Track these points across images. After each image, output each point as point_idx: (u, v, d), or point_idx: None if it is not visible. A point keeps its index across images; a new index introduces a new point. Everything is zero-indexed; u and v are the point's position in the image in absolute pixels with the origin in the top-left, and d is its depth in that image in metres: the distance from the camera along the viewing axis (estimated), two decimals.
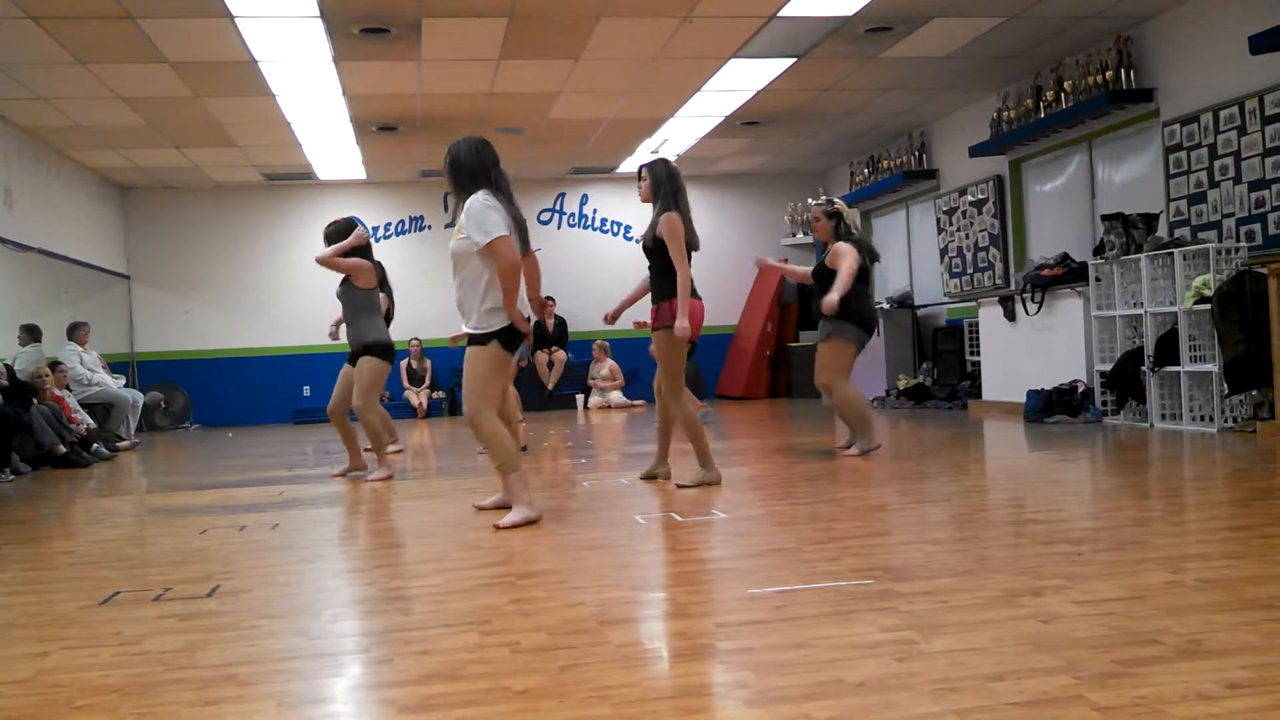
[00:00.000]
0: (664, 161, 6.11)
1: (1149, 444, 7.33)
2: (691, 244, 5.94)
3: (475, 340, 4.99)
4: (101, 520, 6.07)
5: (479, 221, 4.87)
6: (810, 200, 7.47)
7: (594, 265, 15.37)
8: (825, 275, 7.24)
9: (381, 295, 8.28)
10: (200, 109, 10.89)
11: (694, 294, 5.94)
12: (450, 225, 5.15)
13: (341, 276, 7.41)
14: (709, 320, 12.08)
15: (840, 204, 7.39)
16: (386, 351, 7.31)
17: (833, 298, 7.03)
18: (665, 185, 5.99)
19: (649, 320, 6.15)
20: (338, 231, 7.41)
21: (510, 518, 4.94)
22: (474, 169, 5.03)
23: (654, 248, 5.99)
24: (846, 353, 7.20)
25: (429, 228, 15.61)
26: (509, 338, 4.99)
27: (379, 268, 7.95)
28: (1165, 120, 9.22)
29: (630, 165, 15.03)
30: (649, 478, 6.43)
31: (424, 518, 5.61)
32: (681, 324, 5.82)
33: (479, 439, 5.09)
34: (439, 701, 2.42)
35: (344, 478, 7.42)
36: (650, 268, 6.11)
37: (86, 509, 6.75)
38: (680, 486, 6.01)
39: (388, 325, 8.07)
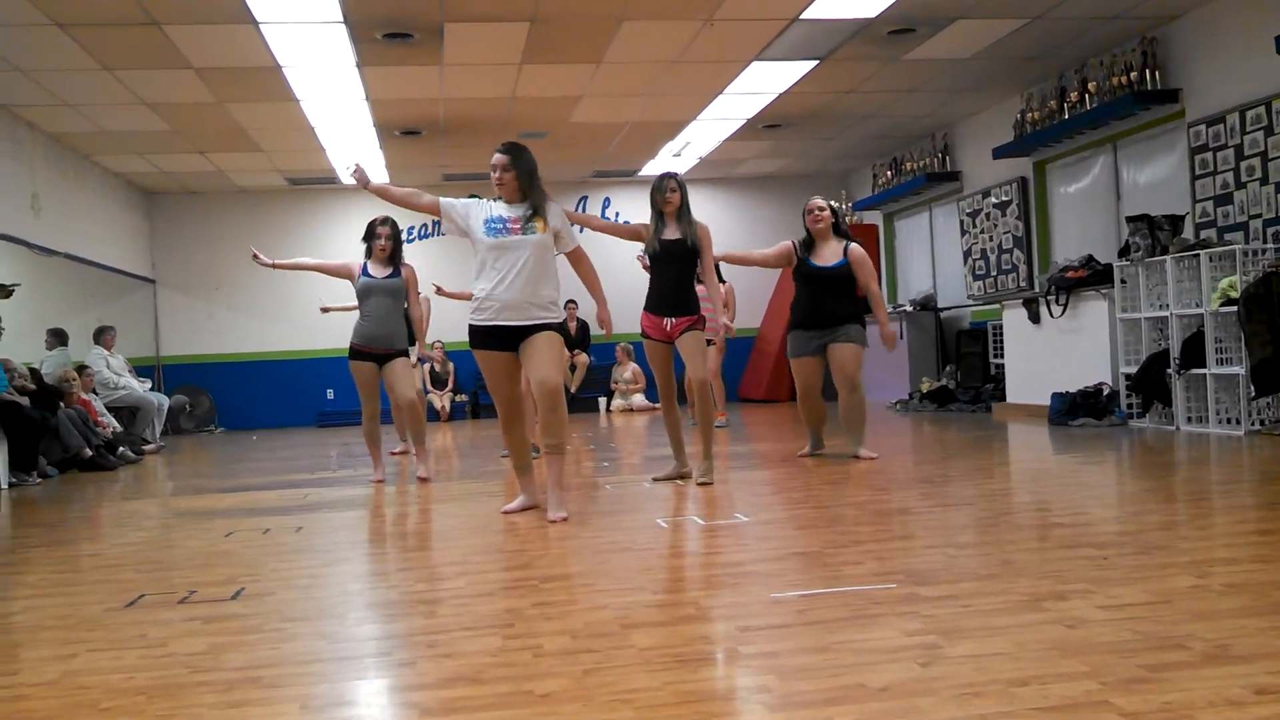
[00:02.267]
0: None
1: (1175, 447, 7.28)
2: None
3: (553, 328, 5.25)
4: (127, 523, 6.11)
5: (571, 229, 5.44)
6: (820, 199, 7.42)
7: (617, 268, 15.30)
8: (840, 283, 7.21)
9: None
10: (224, 114, 10.95)
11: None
12: (498, 220, 5.32)
13: (391, 273, 7.34)
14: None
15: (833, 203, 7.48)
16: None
17: (892, 330, 7.38)
18: (689, 201, 6.39)
19: (667, 328, 6.29)
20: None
21: (561, 510, 5.16)
22: (534, 168, 5.35)
23: (688, 254, 6.25)
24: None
25: None
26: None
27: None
28: (1190, 121, 9.16)
29: (652, 169, 15.00)
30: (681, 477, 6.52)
31: (447, 521, 5.63)
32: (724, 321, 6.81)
33: (554, 410, 5.16)
34: (462, 705, 2.42)
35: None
36: (668, 274, 6.31)
37: (112, 512, 6.80)
38: (701, 484, 6.15)
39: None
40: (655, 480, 6.52)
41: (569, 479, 6.78)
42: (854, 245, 7.29)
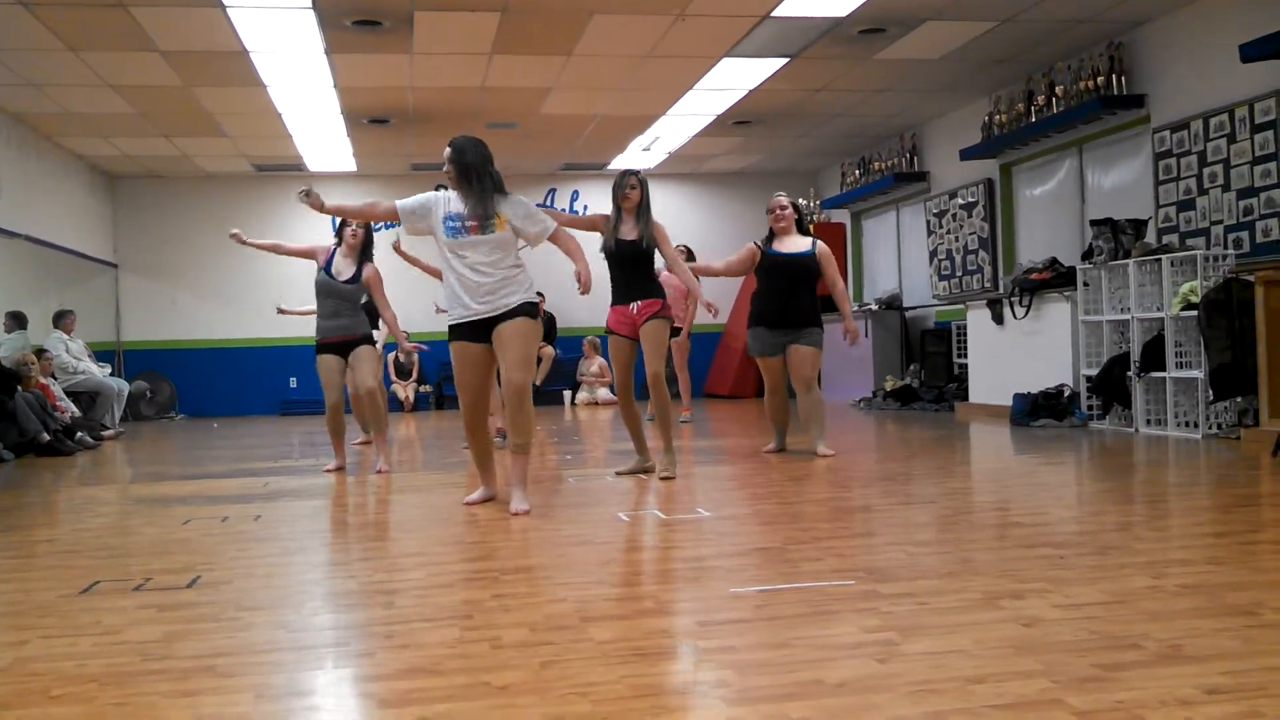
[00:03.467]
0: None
1: (1133, 449, 7.35)
2: None
3: (526, 312, 5.22)
4: (84, 509, 6.04)
5: (538, 217, 5.34)
6: (783, 196, 7.52)
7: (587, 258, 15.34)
8: (804, 273, 7.27)
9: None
10: (190, 98, 10.84)
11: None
12: (456, 218, 5.28)
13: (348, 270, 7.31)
14: (700, 319, 12.20)
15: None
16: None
17: (856, 325, 7.41)
18: (648, 201, 6.41)
19: (633, 311, 6.37)
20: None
21: (524, 503, 5.14)
22: (480, 164, 5.21)
23: (644, 255, 6.34)
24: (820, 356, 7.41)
25: None
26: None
27: None
28: (1155, 126, 9.25)
29: (621, 163, 15.00)
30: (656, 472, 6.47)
31: (408, 512, 5.61)
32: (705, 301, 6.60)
33: (520, 409, 5.19)
34: (419, 696, 2.41)
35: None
36: (625, 271, 6.40)
37: (69, 498, 6.73)
38: (663, 478, 6.20)
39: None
40: (618, 474, 6.52)
41: (533, 471, 6.78)
42: (820, 242, 7.39)
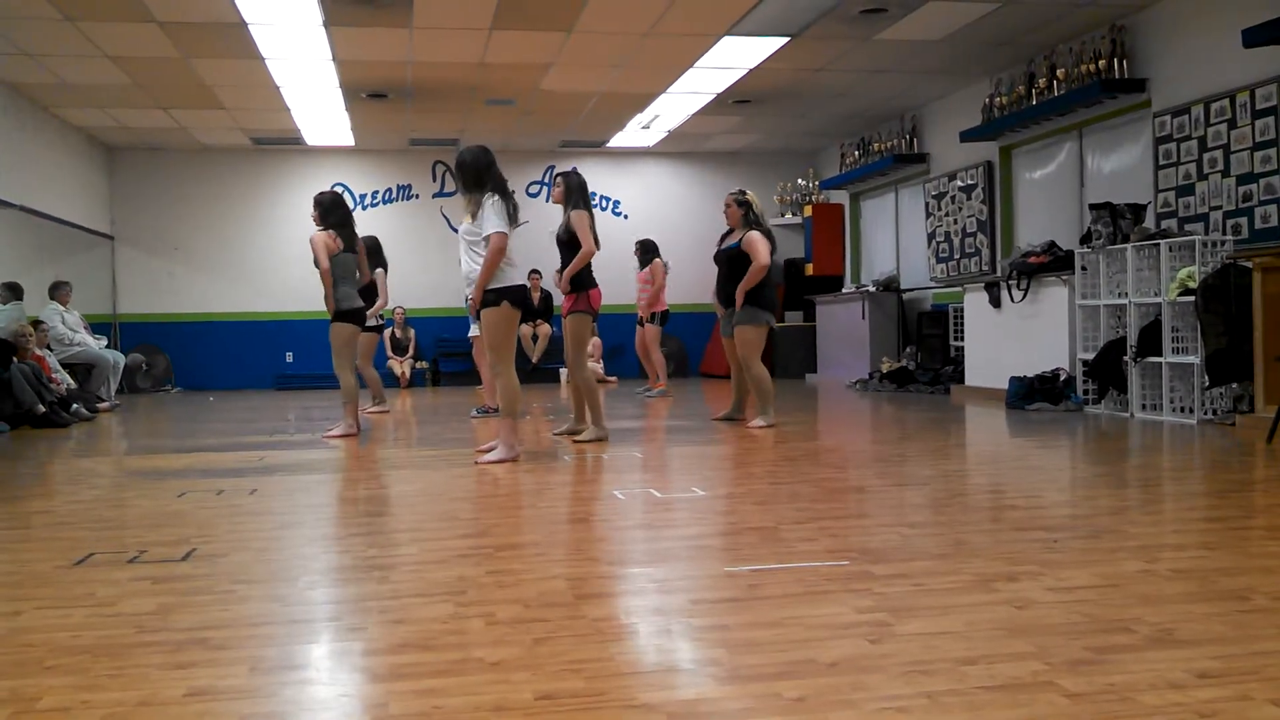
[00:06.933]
0: (576, 173, 7.21)
1: (1129, 434, 7.36)
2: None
3: (488, 303, 6.14)
4: (79, 481, 6.04)
5: (487, 225, 6.13)
6: (733, 192, 8.45)
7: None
8: (732, 264, 8.15)
9: (379, 271, 9.56)
10: (188, 70, 10.79)
11: (593, 282, 7.16)
12: (447, 194, 6.23)
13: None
14: (697, 299, 12.24)
15: (751, 195, 8.35)
16: (350, 317, 8.06)
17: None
18: (576, 193, 7.08)
19: (563, 306, 7.27)
20: (334, 203, 8.16)
21: (491, 455, 6.11)
22: (478, 170, 6.21)
23: (567, 241, 7.05)
24: (763, 336, 8.12)
25: (416, 196, 15.52)
26: (515, 296, 6.16)
27: (374, 241, 9.87)
28: (1156, 111, 9.23)
29: (621, 140, 14.99)
30: (571, 433, 7.39)
31: (403, 487, 5.61)
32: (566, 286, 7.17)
33: (494, 382, 6.35)
34: (411, 671, 2.41)
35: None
36: (561, 259, 7.17)
37: (64, 469, 6.72)
38: (576, 442, 7.01)
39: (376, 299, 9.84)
40: (563, 434, 7.41)
41: (528, 447, 6.81)
42: (751, 232, 8.10)
